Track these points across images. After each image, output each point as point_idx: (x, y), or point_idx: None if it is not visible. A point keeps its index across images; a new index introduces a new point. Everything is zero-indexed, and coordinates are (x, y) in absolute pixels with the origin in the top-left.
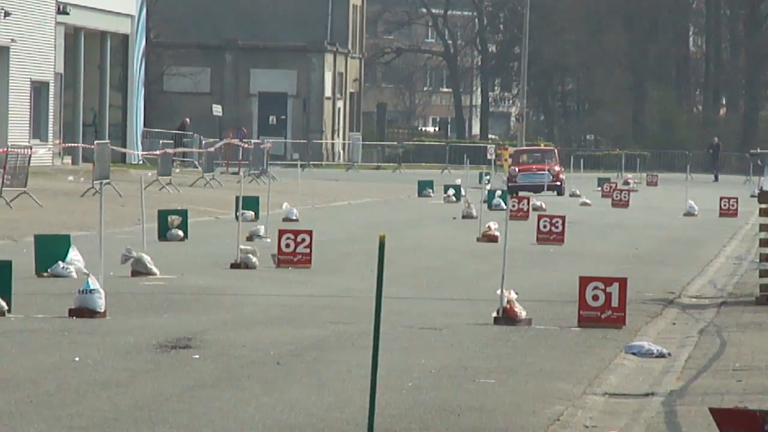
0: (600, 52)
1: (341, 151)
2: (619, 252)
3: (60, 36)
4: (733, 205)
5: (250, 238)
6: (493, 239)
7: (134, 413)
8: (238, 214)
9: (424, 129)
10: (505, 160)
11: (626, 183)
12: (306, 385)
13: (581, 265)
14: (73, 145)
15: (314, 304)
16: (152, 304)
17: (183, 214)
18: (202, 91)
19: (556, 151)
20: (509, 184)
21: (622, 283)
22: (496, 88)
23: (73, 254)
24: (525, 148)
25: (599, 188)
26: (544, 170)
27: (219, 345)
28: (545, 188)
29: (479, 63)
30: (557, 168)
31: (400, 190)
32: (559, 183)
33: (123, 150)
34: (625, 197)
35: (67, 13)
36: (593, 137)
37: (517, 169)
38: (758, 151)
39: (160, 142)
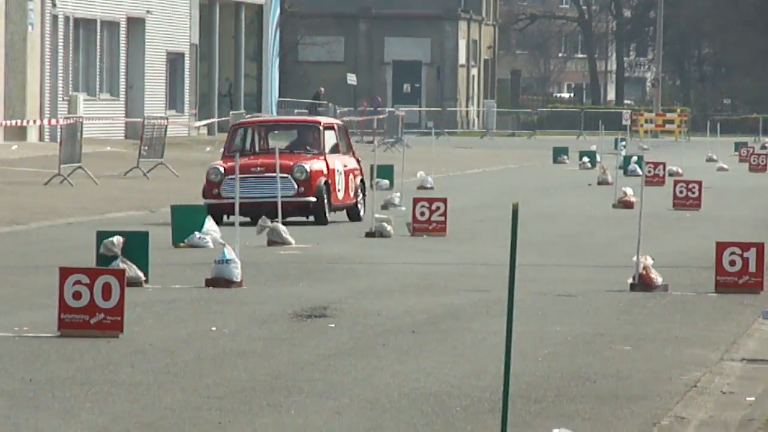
0: (736, 15)
1: (476, 119)
2: (756, 217)
3: (195, 7)
4: None
5: (384, 207)
6: (628, 205)
7: (271, 382)
8: (372, 182)
9: (558, 95)
10: (641, 125)
11: (764, 147)
12: (441, 353)
13: (718, 231)
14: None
15: (449, 272)
16: (287, 274)
17: None
18: (337, 60)
19: (338, 125)
20: (205, 201)
21: (760, 248)
22: (631, 53)
23: (210, 224)
24: (251, 119)
25: (736, 153)
26: (284, 173)
27: (354, 314)
28: (282, 209)
29: (614, 28)
30: (318, 163)
31: (534, 157)
32: (316, 199)
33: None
34: (762, 162)
35: None
36: (730, 101)
37: (222, 169)
38: None
39: (295, 111)
